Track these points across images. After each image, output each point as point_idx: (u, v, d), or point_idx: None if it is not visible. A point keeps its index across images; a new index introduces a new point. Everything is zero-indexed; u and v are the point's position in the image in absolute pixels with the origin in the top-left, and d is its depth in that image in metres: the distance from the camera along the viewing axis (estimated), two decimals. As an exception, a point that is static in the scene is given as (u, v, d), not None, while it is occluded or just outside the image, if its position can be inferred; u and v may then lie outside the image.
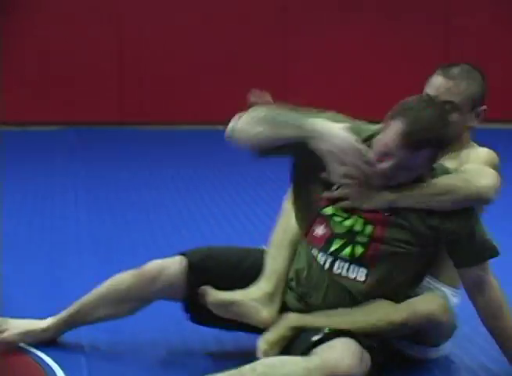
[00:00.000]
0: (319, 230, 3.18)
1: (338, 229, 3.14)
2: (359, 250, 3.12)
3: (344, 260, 3.14)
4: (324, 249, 3.16)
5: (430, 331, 3.22)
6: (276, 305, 3.29)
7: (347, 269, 3.15)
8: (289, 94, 9.69)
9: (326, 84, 9.90)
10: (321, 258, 3.16)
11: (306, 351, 3.06)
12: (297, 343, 3.17)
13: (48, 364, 3.42)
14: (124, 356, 3.60)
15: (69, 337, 3.66)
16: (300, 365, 2.98)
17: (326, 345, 3.03)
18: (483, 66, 3.49)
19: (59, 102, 9.50)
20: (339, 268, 3.15)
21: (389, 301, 3.16)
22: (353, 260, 3.14)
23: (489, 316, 3.25)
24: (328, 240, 3.15)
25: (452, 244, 3.15)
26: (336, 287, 3.16)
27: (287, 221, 3.39)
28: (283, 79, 10.00)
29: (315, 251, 3.18)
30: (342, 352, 2.99)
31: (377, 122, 3.17)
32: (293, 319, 3.21)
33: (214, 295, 3.27)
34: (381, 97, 9.28)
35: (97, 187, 6.84)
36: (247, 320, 3.25)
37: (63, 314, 3.53)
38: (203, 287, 3.31)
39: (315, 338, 3.08)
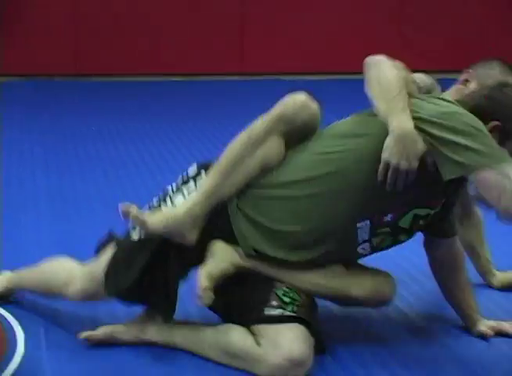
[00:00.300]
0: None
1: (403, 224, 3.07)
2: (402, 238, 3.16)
3: (372, 245, 3.11)
4: (373, 232, 3.06)
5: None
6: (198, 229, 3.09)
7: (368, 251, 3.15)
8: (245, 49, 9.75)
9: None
10: (360, 235, 3.05)
11: (254, 323, 3.00)
12: (246, 305, 3.09)
13: (5, 318, 3.46)
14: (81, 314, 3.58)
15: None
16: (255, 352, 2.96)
17: (276, 329, 2.96)
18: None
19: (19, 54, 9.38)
20: (364, 249, 3.12)
21: (353, 273, 3.12)
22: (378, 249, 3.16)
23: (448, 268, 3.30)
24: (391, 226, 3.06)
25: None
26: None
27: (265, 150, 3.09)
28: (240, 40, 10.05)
29: (362, 225, 3.04)
30: (295, 338, 2.93)
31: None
32: (243, 257, 3.07)
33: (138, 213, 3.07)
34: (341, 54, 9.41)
35: (53, 139, 6.82)
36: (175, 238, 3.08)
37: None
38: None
39: (271, 312, 3.00)
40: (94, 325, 3.27)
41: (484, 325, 3.30)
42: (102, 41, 9.59)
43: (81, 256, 4.18)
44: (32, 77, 9.29)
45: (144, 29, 9.69)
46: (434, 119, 2.90)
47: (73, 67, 9.53)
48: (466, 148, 2.85)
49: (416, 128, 2.89)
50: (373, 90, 3.05)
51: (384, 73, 3.06)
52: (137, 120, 7.50)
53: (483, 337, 3.27)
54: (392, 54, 3.21)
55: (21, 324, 3.40)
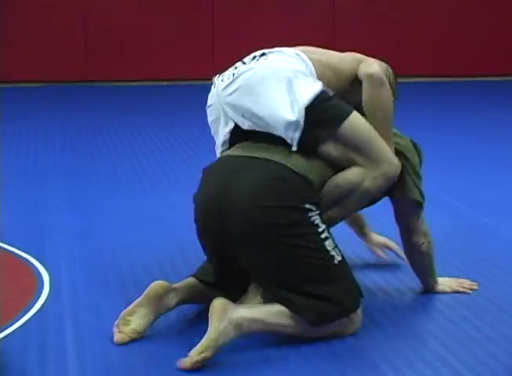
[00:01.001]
0: None
1: None
2: None
3: None
4: None
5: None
6: None
7: None
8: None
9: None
10: None
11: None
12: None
13: (34, 265, 3.44)
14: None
15: (57, 247, 3.68)
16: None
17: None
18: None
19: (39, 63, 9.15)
20: None
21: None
22: None
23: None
24: None
25: None
26: None
27: None
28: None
29: None
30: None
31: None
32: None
33: None
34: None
35: (70, 131, 6.70)
36: None
37: None
38: None
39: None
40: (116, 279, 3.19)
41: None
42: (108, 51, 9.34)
43: (90, 217, 4.20)
44: (51, 82, 9.10)
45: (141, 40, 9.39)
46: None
47: (83, 73, 9.30)
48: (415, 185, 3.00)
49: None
50: (379, 113, 2.95)
51: (387, 100, 2.98)
52: (135, 115, 7.38)
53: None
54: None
55: (47, 270, 3.38)
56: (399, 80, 3.17)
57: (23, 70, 9.07)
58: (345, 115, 2.82)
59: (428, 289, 3.18)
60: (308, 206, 2.68)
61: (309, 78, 2.88)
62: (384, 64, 3.08)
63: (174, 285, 2.79)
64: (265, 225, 2.62)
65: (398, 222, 3.09)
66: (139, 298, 2.69)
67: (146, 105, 8.18)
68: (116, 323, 2.68)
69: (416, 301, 3.16)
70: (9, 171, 5.18)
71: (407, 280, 3.26)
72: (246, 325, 2.56)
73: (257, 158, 2.74)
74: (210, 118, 2.99)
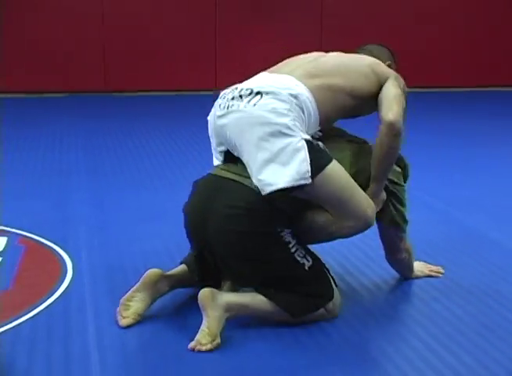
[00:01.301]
0: None
1: None
2: None
3: None
4: None
5: None
6: None
7: None
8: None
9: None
10: None
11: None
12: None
13: (58, 252, 3.46)
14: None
15: (76, 237, 3.68)
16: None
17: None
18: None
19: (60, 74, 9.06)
20: None
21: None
22: None
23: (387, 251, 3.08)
24: None
25: None
26: None
27: None
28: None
29: None
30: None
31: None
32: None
33: None
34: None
35: (92, 136, 6.68)
36: None
37: None
38: None
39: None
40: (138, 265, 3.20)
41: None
42: (123, 65, 9.29)
43: (108, 210, 4.19)
44: (72, 92, 9.10)
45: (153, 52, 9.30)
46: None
47: (101, 85, 9.28)
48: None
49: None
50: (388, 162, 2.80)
51: (397, 149, 2.80)
52: (147, 121, 7.37)
53: None
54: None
55: (70, 257, 3.40)
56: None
57: (47, 81, 9.04)
58: (320, 168, 2.58)
59: (405, 278, 3.19)
60: (277, 229, 2.63)
61: (290, 139, 2.57)
62: (400, 78, 2.89)
63: (166, 273, 2.81)
64: (239, 246, 2.61)
65: (382, 240, 3.04)
66: (136, 285, 2.72)
67: (156, 112, 8.14)
68: (118, 309, 2.70)
69: (394, 286, 3.18)
70: (36, 170, 5.21)
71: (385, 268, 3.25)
72: (235, 309, 2.60)
73: (235, 181, 2.66)
74: (209, 129, 2.87)
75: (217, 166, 2.82)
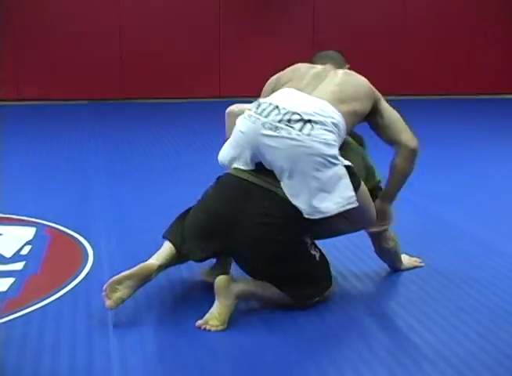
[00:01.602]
0: None
1: None
2: None
3: None
4: None
5: None
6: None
7: None
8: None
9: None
10: None
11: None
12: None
13: (81, 242, 3.46)
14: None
15: (95, 228, 3.67)
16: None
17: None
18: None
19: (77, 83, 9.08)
20: None
21: None
22: None
23: None
24: None
25: None
26: None
27: None
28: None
29: None
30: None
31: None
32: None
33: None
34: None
35: (110, 138, 6.71)
36: None
37: None
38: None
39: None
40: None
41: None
42: (138, 75, 9.30)
43: (125, 204, 4.19)
44: (92, 100, 9.10)
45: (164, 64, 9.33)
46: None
47: (118, 93, 9.29)
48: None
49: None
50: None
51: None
52: (160, 124, 7.36)
53: None
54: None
55: (91, 246, 3.41)
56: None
57: (71, 90, 9.06)
58: (356, 191, 2.61)
59: (395, 269, 3.13)
60: (304, 236, 2.63)
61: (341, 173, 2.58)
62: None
63: (156, 262, 2.64)
64: (268, 252, 2.56)
65: (368, 233, 2.99)
66: (129, 272, 2.57)
67: (166, 116, 8.17)
68: (105, 287, 2.55)
69: (379, 273, 3.19)
70: (61, 168, 5.21)
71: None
72: (245, 296, 2.59)
73: (269, 190, 2.55)
74: (240, 138, 2.66)
75: (245, 170, 2.63)
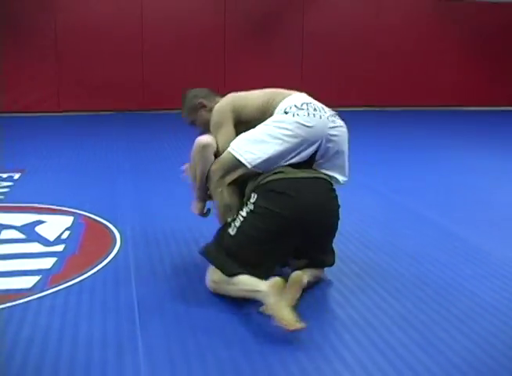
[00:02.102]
0: None
1: None
2: None
3: None
4: None
5: None
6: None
7: None
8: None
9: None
10: None
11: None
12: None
13: (110, 229, 3.45)
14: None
15: (127, 219, 3.64)
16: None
17: None
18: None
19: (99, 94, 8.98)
20: None
21: None
22: None
23: None
24: None
25: None
26: None
27: None
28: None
29: None
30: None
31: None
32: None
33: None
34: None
35: (133, 141, 6.67)
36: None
37: None
38: None
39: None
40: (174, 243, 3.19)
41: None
42: (156, 89, 9.23)
43: (147, 197, 4.17)
44: (117, 111, 9.06)
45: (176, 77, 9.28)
46: None
47: (140, 104, 9.25)
48: None
49: None
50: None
51: None
52: (176, 131, 7.28)
53: None
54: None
55: (119, 232, 3.40)
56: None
57: (100, 103, 9.04)
58: None
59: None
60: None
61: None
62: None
63: (282, 289, 2.27)
64: (336, 221, 2.60)
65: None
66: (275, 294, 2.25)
67: (182, 124, 8.11)
68: (284, 319, 2.18)
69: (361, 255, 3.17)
70: (93, 167, 5.18)
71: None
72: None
73: (318, 178, 2.58)
74: (305, 125, 2.58)
75: (292, 171, 2.54)
